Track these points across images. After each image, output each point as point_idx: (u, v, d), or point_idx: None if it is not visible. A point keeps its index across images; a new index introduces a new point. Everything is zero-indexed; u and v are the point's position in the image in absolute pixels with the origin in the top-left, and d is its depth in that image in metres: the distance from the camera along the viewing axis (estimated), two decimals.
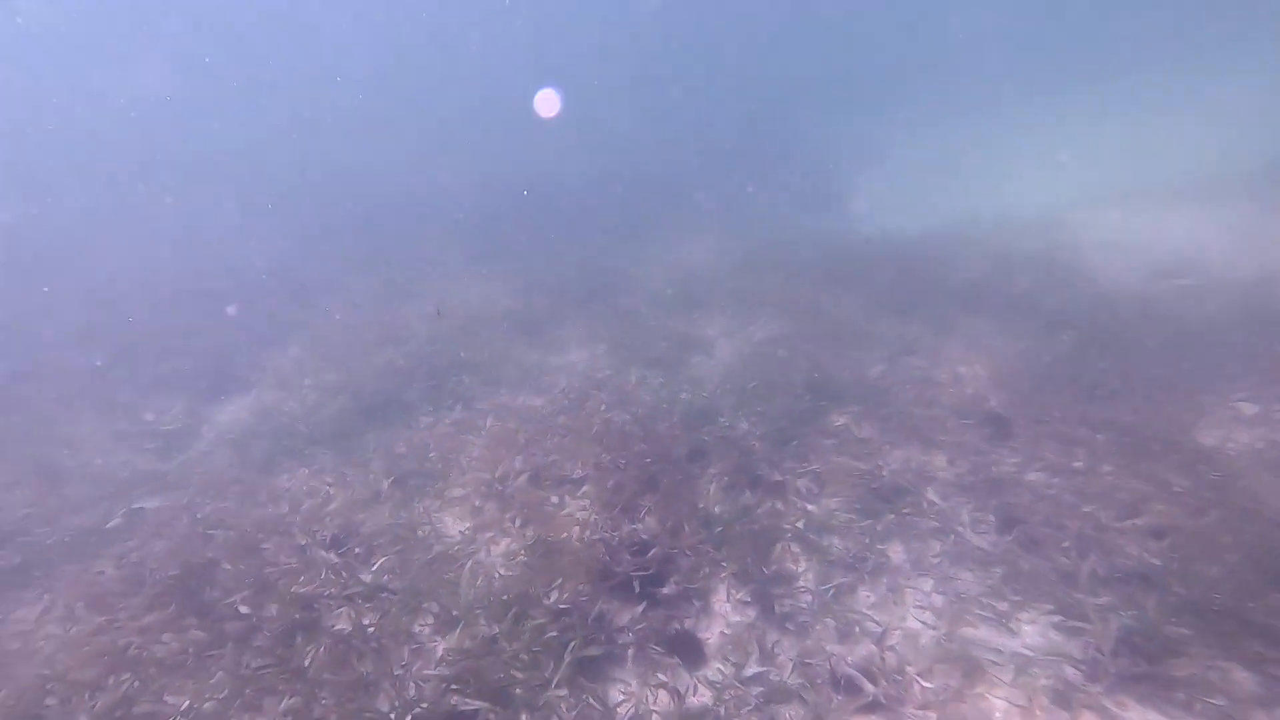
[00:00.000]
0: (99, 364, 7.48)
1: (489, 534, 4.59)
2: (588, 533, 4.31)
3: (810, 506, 4.56)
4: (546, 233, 11.85)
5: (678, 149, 18.43)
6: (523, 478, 5.10)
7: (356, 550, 4.48)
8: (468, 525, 4.72)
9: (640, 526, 4.39)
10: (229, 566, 4.26)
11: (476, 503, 4.96)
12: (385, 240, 12.68)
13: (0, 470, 5.55)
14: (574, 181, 15.78)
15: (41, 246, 12.57)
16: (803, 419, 5.62)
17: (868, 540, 4.15)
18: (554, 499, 4.91)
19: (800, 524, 4.33)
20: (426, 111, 24.85)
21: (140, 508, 5.09)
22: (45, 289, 10.40)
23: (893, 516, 4.32)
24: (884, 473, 4.76)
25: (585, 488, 4.95)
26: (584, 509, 4.68)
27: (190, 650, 3.58)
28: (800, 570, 4.02)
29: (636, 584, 3.92)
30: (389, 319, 8.75)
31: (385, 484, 5.20)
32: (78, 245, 12.90)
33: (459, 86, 28.93)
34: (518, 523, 4.63)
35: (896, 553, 4.09)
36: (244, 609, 3.86)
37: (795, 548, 4.17)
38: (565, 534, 4.39)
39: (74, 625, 3.86)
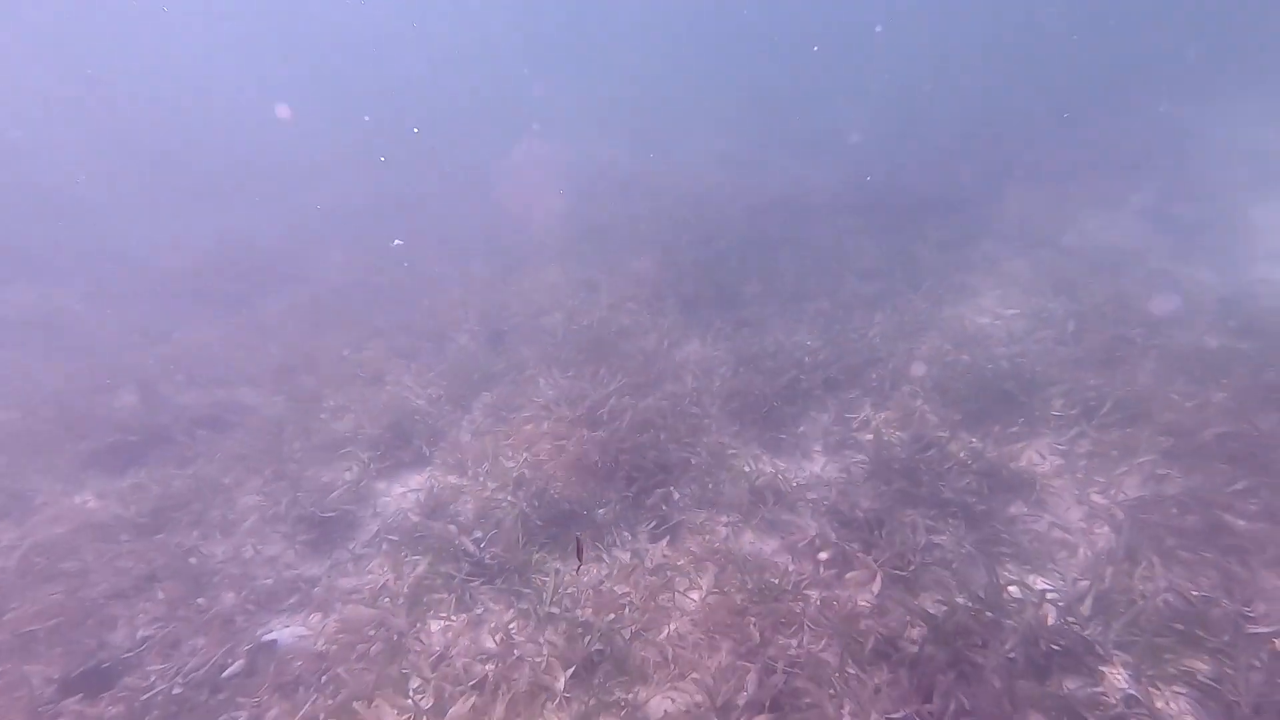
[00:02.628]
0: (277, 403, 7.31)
1: None
2: None
3: None
4: (782, 273, 9.77)
5: (961, 157, 15.09)
6: None
7: None
8: None
9: None
10: None
11: None
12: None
13: (136, 557, 5.15)
14: (820, 199, 13.41)
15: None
16: None
17: None
18: None
19: None
20: None
21: (272, 640, 4.23)
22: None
23: None
24: None
25: None
26: None
27: None
28: None
29: None
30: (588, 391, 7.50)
31: (561, 680, 3.69)
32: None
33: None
34: None
35: None
36: None
37: None
38: None
39: None
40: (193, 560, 4.82)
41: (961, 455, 5.28)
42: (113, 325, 10.37)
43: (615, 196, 15.89)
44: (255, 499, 5.58)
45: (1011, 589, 3.98)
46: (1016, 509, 4.85)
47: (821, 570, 4.36)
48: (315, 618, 4.44)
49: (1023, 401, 5.93)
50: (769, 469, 5.63)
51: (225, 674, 3.83)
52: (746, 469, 5.57)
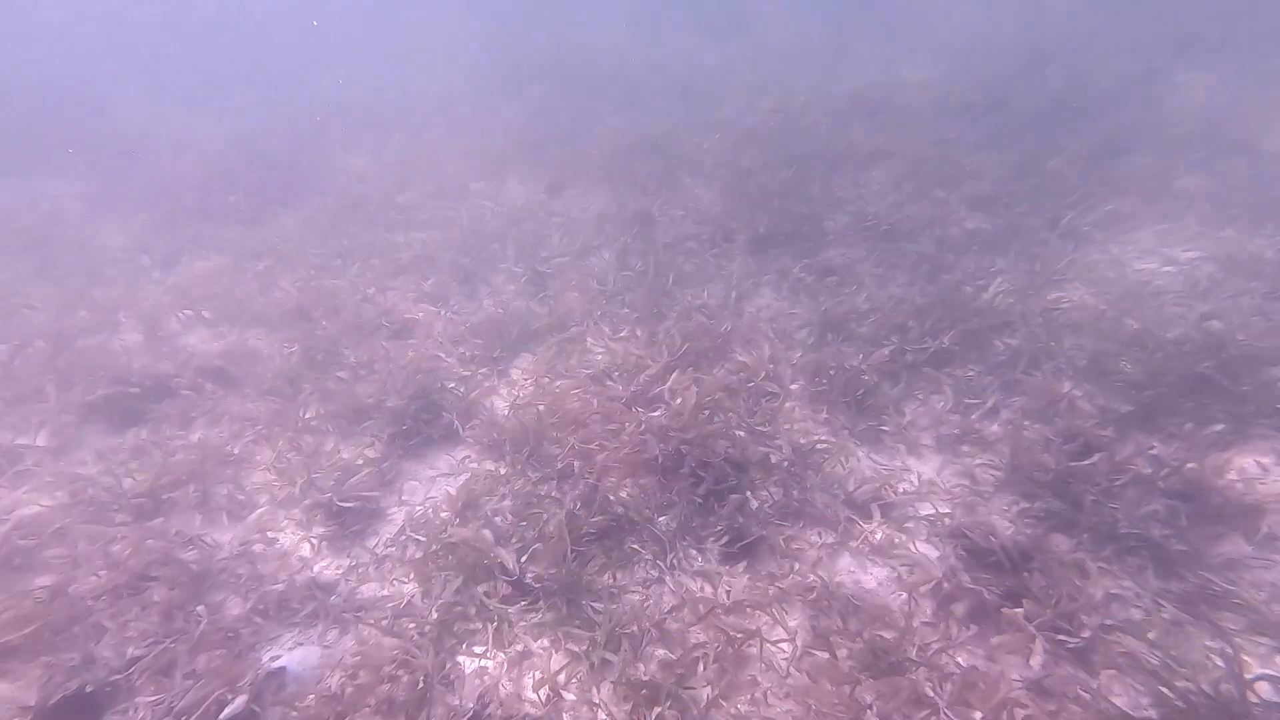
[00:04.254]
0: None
1: None
2: None
3: None
4: (873, 200, 8.33)
5: (1113, 29, 12.35)
6: None
7: None
8: None
9: None
10: None
11: None
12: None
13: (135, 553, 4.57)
14: (920, 99, 11.49)
15: None
16: None
17: None
18: None
19: None
20: None
21: (281, 667, 3.68)
22: None
23: None
24: None
25: None
26: None
27: None
28: None
29: None
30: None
31: None
32: None
33: None
34: None
35: None
36: None
37: None
38: None
39: None
40: (194, 553, 4.26)
41: (1139, 465, 4.24)
42: (115, 240, 9.66)
43: (675, 101, 14.18)
44: (266, 476, 4.97)
45: (1262, 687, 3.10)
46: (1233, 548, 3.86)
47: (955, 629, 3.57)
48: (332, 634, 3.88)
49: (1224, 388, 4.73)
50: (868, 470, 4.76)
51: (224, 714, 3.30)
52: (839, 469, 4.72)
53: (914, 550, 4.04)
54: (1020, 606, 3.47)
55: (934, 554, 4.02)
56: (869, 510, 4.36)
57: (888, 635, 3.46)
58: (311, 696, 3.42)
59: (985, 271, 6.86)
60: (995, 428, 4.95)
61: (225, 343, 6.62)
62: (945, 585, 3.69)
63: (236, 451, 5.13)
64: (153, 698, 3.34)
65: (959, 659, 3.38)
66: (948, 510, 4.31)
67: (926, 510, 4.33)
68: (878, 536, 4.16)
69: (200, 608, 3.87)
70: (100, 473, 5.00)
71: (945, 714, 3.07)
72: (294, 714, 3.33)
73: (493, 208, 9.88)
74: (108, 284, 8.23)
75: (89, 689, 3.37)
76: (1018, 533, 4.02)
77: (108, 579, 4.00)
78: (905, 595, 3.76)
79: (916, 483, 4.60)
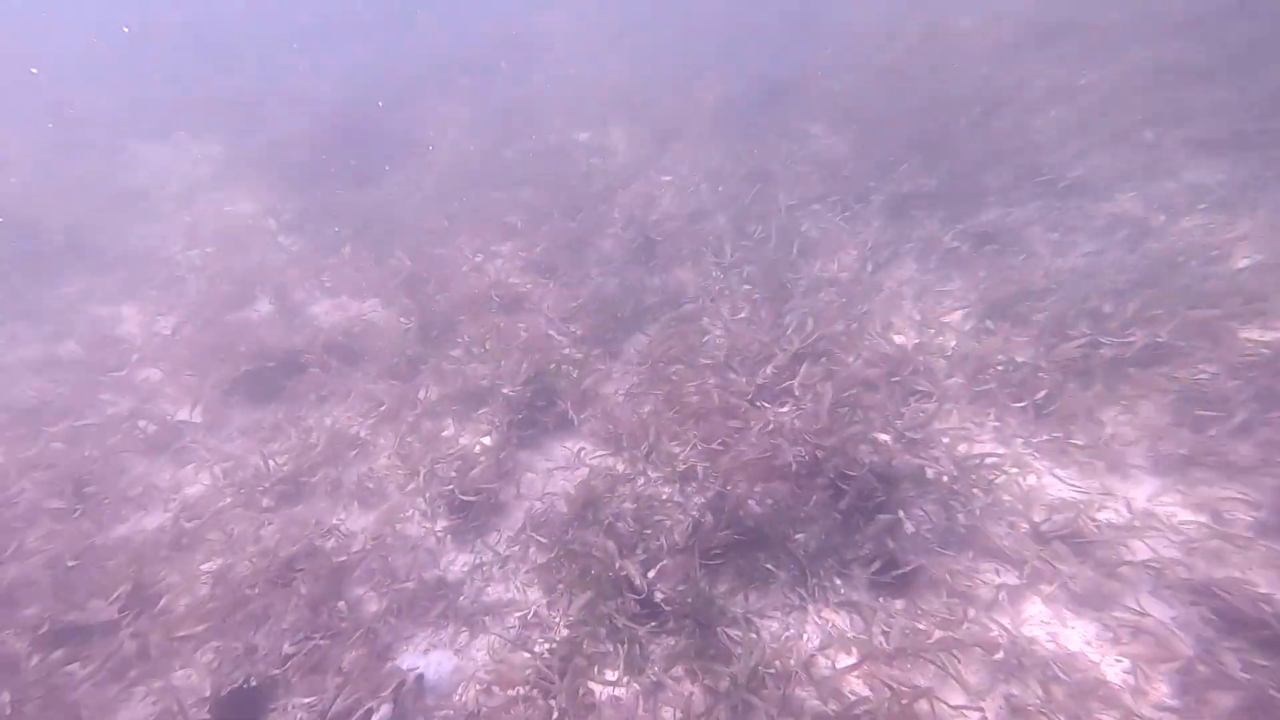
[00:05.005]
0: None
1: None
2: None
3: None
4: (1048, 148, 6.92)
5: None
6: None
7: None
8: None
9: None
10: None
11: None
12: None
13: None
14: (1114, 16, 9.62)
15: None
16: None
17: None
18: None
19: None
20: None
21: (420, 675, 3.74)
22: None
23: None
24: None
25: None
26: None
27: None
28: None
29: None
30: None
31: None
32: None
33: None
34: None
35: None
36: None
37: None
38: None
39: None
40: (332, 542, 4.42)
41: None
42: (245, 206, 10.11)
43: (796, 38, 12.72)
44: (390, 462, 5.06)
45: None
46: None
47: None
48: (462, 637, 3.90)
49: None
50: (1056, 492, 4.10)
51: None
52: (1015, 489, 4.09)
53: (1139, 608, 3.35)
54: None
55: (1167, 614, 3.35)
56: (1062, 547, 3.74)
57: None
58: (451, 710, 3.46)
59: (1219, 238, 5.58)
60: (1248, 450, 4.04)
61: (346, 315, 6.78)
62: (1200, 668, 3.07)
63: (363, 435, 5.25)
64: (307, 699, 3.50)
65: None
66: (1177, 556, 3.59)
67: (1143, 552, 3.64)
68: (1078, 581, 3.56)
69: (341, 603, 4.02)
70: (246, 451, 5.31)
71: None
72: None
73: (600, 165, 9.38)
74: (244, 252, 8.64)
75: (254, 682, 3.59)
76: None
77: (260, 566, 4.23)
78: (1129, 665, 3.15)
79: (1127, 513, 3.88)
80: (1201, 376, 4.38)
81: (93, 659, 3.77)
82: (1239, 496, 3.76)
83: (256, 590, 4.09)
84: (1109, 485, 4.03)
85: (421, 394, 5.55)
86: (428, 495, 4.66)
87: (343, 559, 4.30)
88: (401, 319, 6.47)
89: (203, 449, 5.32)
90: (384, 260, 7.51)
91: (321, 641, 3.76)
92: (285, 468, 5.00)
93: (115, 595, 4.02)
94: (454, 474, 4.73)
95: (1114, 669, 3.17)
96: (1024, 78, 8.51)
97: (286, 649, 3.71)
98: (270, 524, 4.56)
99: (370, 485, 4.86)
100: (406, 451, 5.03)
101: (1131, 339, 4.60)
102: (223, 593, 4.05)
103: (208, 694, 3.53)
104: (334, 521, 4.61)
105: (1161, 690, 3.06)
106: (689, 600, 3.75)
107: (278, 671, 3.65)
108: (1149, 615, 3.30)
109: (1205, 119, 6.87)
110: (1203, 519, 3.72)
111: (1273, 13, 8.37)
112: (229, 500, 4.73)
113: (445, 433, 5.21)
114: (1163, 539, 3.65)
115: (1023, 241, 6.03)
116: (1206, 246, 5.37)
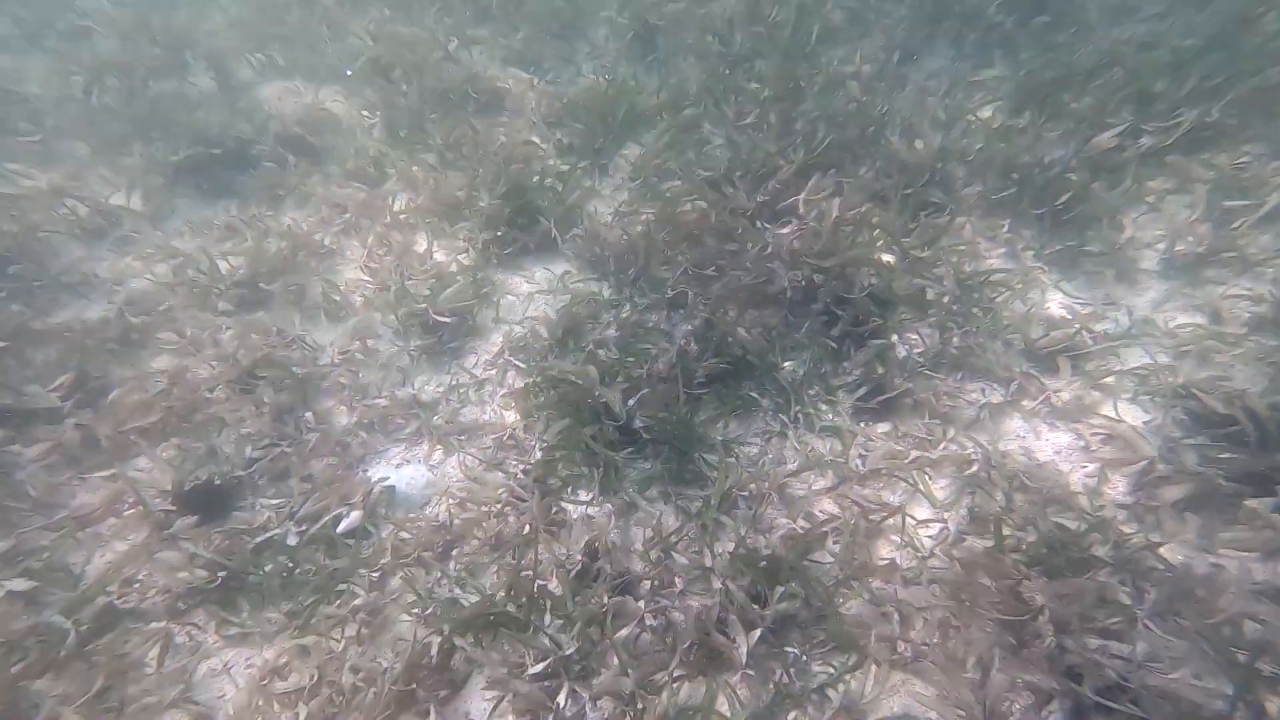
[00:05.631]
0: None
1: None
2: None
3: None
4: None
5: None
6: None
7: None
8: None
9: None
10: None
11: None
12: None
13: None
14: None
15: None
16: None
17: None
18: None
19: None
20: None
21: (390, 486, 3.66)
22: None
23: None
24: None
25: None
26: None
27: None
28: None
29: None
30: None
31: (744, 647, 2.77)
32: None
33: None
34: None
35: None
36: None
37: None
38: None
39: None
40: (297, 353, 4.17)
41: None
42: None
43: None
44: (359, 276, 4.64)
45: None
46: None
47: (1166, 519, 2.90)
48: (436, 454, 3.84)
49: None
50: (1059, 309, 3.88)
51: (341, 526, 3.41)
52: (1018, 307, 3.87)
53: (1112, 413, 3.31)
54: (1271, 494, 2.76)
55: (1141, 418, 3.30)
56: (1054, 362, 3.60)
57: (1069, 524, 2.97)
58: (422, 521, 3.48)
59: None
60: (1267, 239, 3.76)
61: (302, 103, 5.86)
62: (1160, 468, 3.03)
63: (328, 242, 4.76)
64: (275, 500, 3.48)
65: (1167, 555, 2.77)
66: (1169, 361, 3.48)
67: (1140, 359, 3.51)
68: (1063, 396, 3.47)
69: (308, 414, 3.88)
70: (197, 250, 4.83)
71: (1146, 624, 2.53)
72: (405, 534, 3.42)
73: None
74: (168, 3, 7.26)
75: (217, 481, 3.54)
76: (1275, 394, 3.11)
77: (219, 371, 4.02)
78: (1093, 470, 3.15)
79: (1126, 321, 3.68)
80: (1244, 158, 4.00)
81: (38, 442, 3.66)
82: (1243, 292, 3.60)
83: (217, 393, 3.92)
84: (1114, 295, 3.82)
85: (390, 202, 4.97)
86: (400, 313, 4.34)
87: (309, 370, 4.10)
88: (364, 112, 5.62)
89: (147, 241, 4.83)
90: (338, 32, 6.35)
91: (287, 449, 3.68)
92: (241, 271, 4.59)
93: (57, 383, 3.82)
94: (427, 292, 4.38)
95: (1078, 475, 3.19)
96: None
97: (251, 453, 3.63)
98: (228, 329, 4.27)
99: (336, 298, 4.51)
100: (375, 265, 4.61)
101: (1179, 119, 4.10)
102: (180, 393, 3.87)
103: (169, 488, 3.49)
104: (299, 332, 4.33)
105: (1118, 488, 3.11)
106: (668, 428, 3.67)
107: (243, 473, 3.60)
108: (1122, 421, 3.26)
109: None
110: (1200, 320, 3.61)
111: None
112: (180, 299, 4.38)
113: (418, 247, 4.74)
114: (1159, 346, 3.55)
115: (1076, 7, 5.18)
116: None
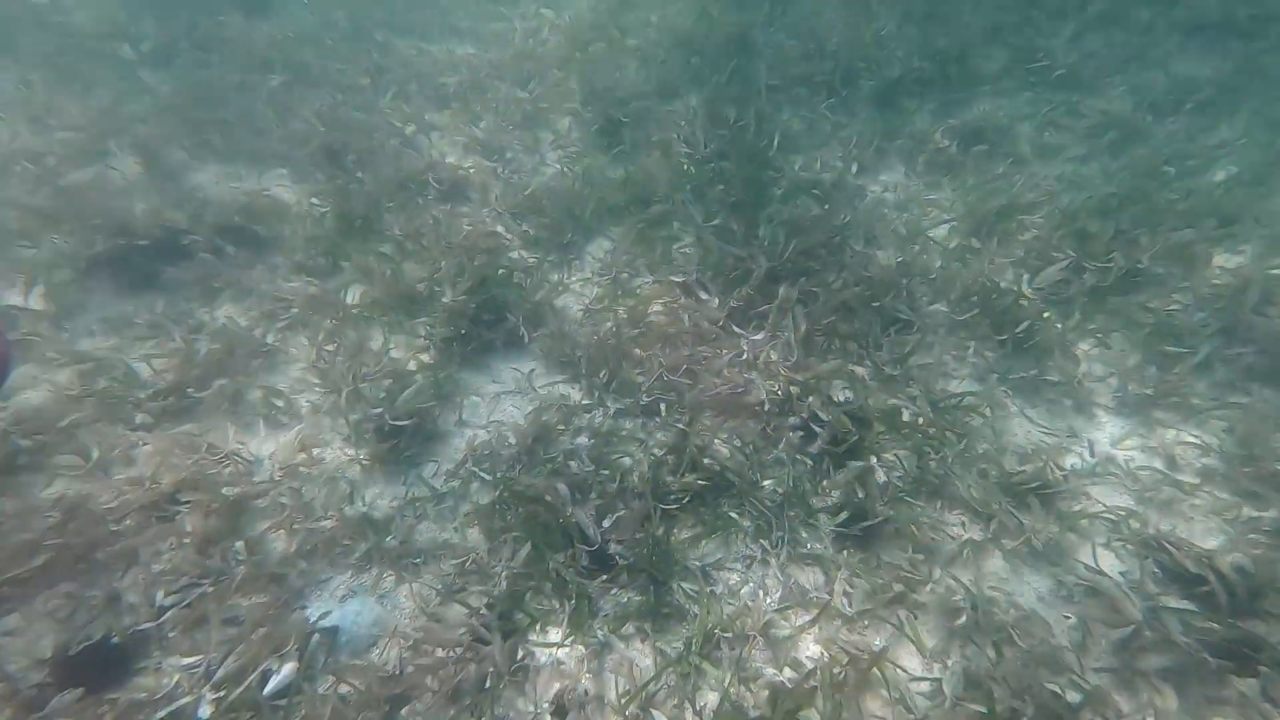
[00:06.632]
0: None
1: None
2: None
3: None
4: (1031, 25, 6.14)
5: None
6: None
7: None
8: None
9: None
10: None
11: None
12: None
13: None
14: None
15: None
16: None
17: None
18: None
19: None
20: None
21: (334, 626, 3.21)
22: None
23: None
24: None
25: None
26: None
27: None
28: None
29: None
30: None
31: None
32: None
33: None
34: None
35: None
36: None
37: None
38: None
39: None
40: (228, 471, 3.69)
41: None
42: (81, 12, 7.76)
43: None
44: (306, 377, 4.24)
45: None
46: None
47: (1153, 695, 2.88)
48: (388, 580, 3.40)
49: None
50: (1024, 436, 3.87)
51: (270, 686, 2.91)
52: (988, 433, 3.83)
53: (1090, 559, 3.28)
54: (1253, 675, 2.76)
55: (1117, 567, 3.27)
56: (1026, 499, 3.57)
57: (1058, 689, 2.83)
58: (368, 672, 3.01)
59: (1201, 145, 5.29)
60: (1205, 388, 3.96)
61: (244, 189, 5.49)
62: (1147, 633, 2.98)
63: (270, 340, 4.36)
64: (188, 660, 2.94)
65: None
66: (1133, 504, 3.51)
67: (1109, 498, 3.53)
68: (1041, 536, 3.41)
69: (239, 544, 3.38)
70: (112, 350, 4.32)
71: None
72: (346, 688, 2.94)
73: (552, 19, 7.91)
74: (87, 87, 6.67)
75: (115, 639, 2.98)
76: (1236, 550, 3.20)
77: (131, 497, 3.48)
78: (1076, 622, 3.08)
79: (1089, 459, 3.74)
80: (1174, 307, 4.25)
81: None
82: (1192, 439, 3.72)
83: (125, 524, 3.38)
84: (1075, 426, 3.90)
85: (344, 295, 4.63)
86: (351, 418, 3.96)
87: (242, 489, 3.62)
88: (314, 200, 5.33)
89: (47, 345, 4.28)
90: (285, 116, 6.10)
91: (210, 589, 3.17)
92: (168, 375, 4.11)
93: None
94: (383, 395, 4.02)
95: (1063, 627, 3.09)
96: None
97: (162, 599, 3.10)
98: (145, 445, 3.76)
99: (279, 403, 4.07)
100: (325, 365, 4.22)
101: (1111, 264, 4.35)
102: (78, 527, 3.31)
103: (49, 654, 2.90)
104: (233, 445, 3.86)
105: (1101, 646, 3.01)
106: (644, 551, 3.38)
107: (150, 625, 3.06)
108: (1103, 573, 3.21)
109: None
110: (1157, 464, 3.68)
111: None
112: (87, 412, 3.84)
113: (373, 344, 4.40)
114: (1120, 485, 3.60)
115: (1011, 141, 5.61)
116: (1186, 153, 5.29)
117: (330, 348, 4.29)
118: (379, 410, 3.90)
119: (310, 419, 4.03)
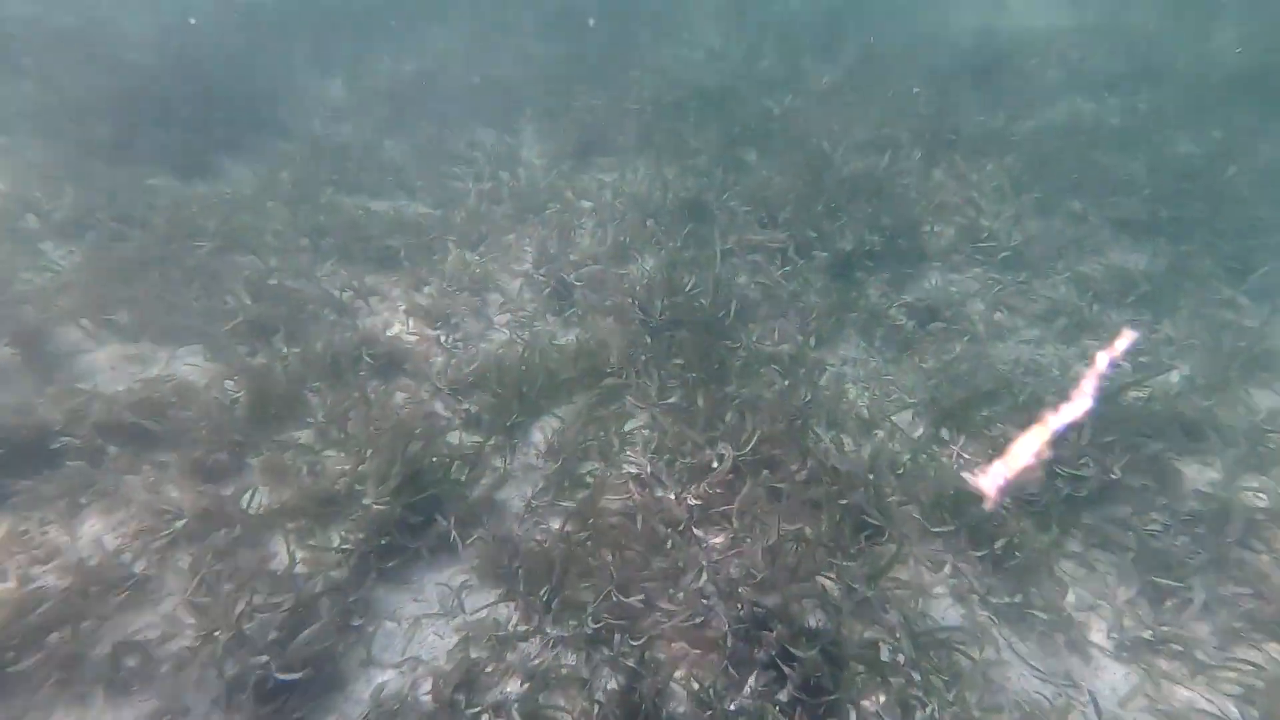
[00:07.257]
0: None
1: None
2: None
3: None
4: (973, 204, 6.27)
5: None
6: None
7: None
8: None
9: None
10: None
11: None
12: None
13: None
14: (1040, 59, 9.55)
15: None
16: None
17: None
18: None
19: None
20: None
21: None
22: None
23: None
24: None
25: None
26: None
27: None
28: None
29: None
30: None
31: None
32: None
33: None
34: None
35: None
36: None
37: None
38: None
39: None
40: None
41: None
42: None
43: (728, 41, 12.04)
44: (179, 615, 3.48)
45: None
46: None
47: None
48: None
49: None
50: (1019, 683, 3.32)
51: None
52: (978, 680, 3.29)
53: None
54: None
55: None
56: None
57: None
58: None
59: (1150, 340, 5.33)
60: (1208, 632, 3.52)
61: (147, 376, 4.87)
62: None
63: (139, 569, 3.65)
64: None
65: None
66: None
67: None
68: None
69: None
70: None
71: None
72: None
73: (507, 180, 8.05)
74: None
75: None
76: None
77: None
78: None
79: (1094, 718, 3.17)
80: (1153, 527, 3.94)
81: None
82: (1208, 707, 3.21)
83: None
84: (1072, 670, 3.39)
85: (244, 504, 4.02)
86: (228, 671, 3.22)
87: None
88: (229, 383, 4.83)
89: None
90: (212, 294, 5.66)
91: None
92: None
93: None
94: (273, 635, 3.33)
95: None
96: (958, 124, 8.23)
97: None
98: None
99: (132, 663, 3.28)
100: (204, 601, 3.50)
101: (1084, 474, 4.07)
102: None
103: None
104: None
105: None
106: None
107: None
108: None
109: (1126, 195, 6.88)
110: None
111: (1183, 82, 8.89)
112: None
113: (272, 564, 3.75)
114: None
115: (965, 318, 5.61)
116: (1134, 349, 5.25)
117: (216, 571, 3.61)
118: (264, 659, 3.20)
119: (171, 680, 3.25)
